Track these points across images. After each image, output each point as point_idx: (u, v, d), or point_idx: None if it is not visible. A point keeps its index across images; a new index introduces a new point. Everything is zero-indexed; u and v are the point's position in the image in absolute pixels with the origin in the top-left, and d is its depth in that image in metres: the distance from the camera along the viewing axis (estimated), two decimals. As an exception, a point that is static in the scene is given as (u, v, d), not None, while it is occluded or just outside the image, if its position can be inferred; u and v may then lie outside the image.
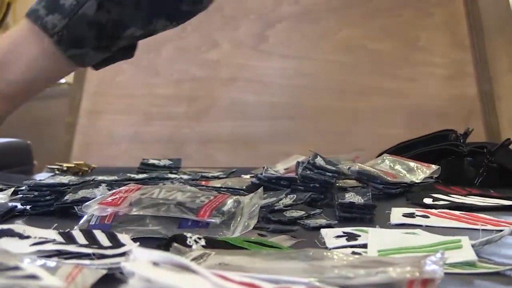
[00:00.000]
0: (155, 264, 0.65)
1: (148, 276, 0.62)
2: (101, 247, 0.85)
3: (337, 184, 1.29)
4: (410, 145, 1.58)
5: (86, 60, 1.15)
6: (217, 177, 1.51)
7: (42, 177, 1.38)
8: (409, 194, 1.34)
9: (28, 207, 1.21)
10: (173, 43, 2.30)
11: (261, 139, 2.23)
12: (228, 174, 1.56)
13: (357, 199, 1.18)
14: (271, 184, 1.30)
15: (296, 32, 2.26)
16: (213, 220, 1.03)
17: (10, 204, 1.23)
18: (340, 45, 2.23)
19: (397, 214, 1.15)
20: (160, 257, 0.65)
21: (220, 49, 2.31)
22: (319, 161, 1.31)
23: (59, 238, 0.89)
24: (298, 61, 2.25)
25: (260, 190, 1.16)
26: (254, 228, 1.05)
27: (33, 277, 0.60)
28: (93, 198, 1.11)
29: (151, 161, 1.58)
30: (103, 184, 1.23)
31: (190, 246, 0.89)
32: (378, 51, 2.20)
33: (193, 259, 0.78)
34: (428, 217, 1.14)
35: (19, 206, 1.22)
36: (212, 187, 1.33)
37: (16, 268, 0.62)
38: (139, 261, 0.64)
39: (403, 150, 1.56)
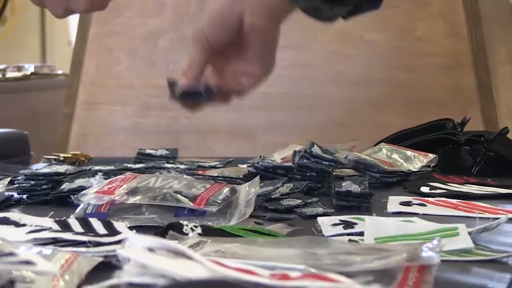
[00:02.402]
0: (151, 250, 0.64)
1: (143, 262, 0.62)
2: (97, 235, 0.85)
3: (334, 173, 1.29)
4: (407, 134, 1.57)
5: (323, 15, 1.06)
6: (214, 167, 1.51)
7: (39, 167, 1.37)
8: (406, 182, 1.34)
9: (24, 196, 1.21)
10: (170, 34, 2.29)
11: (258, 129, 2.22)
12: (225, 164, 1.56)
13: (354, 187, 1.17)
14: (268, 173, 1.30)
15: (294, 22, 2.25)
16: (209, 209, 1.03)
17: (6, 193, 1.23)
18: (337, 36, 2.22)
19: (394, 202, 1.15)
20: (156, 243, 0.65)
21: (217, 40, 2.30)
22: (316, 150, 1.31)
23: (55, 226, 0.89)
24: (295, 51, 2.24)
25: (257, 178, 1.16)
26: (251, 216, 1.05)
27: (28, 263, 0.60)
28: (89, 187, 1.11)
29: (148, 151, 1.57)
30: (100, 173, 1.23)
31: (186, 234, 0.89)
32: (375, 42, 2.19)
33: (190, 247, 0.78)
34: (425, 205, 1.14)
35: (16, 195, 1.22)
36: (209, 176, 1.33)
37: (11, 254, 0.61)
38: (134, 247, 0.64)
39: (400, 139, 1.55)
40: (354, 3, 1.07)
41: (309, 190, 1.24)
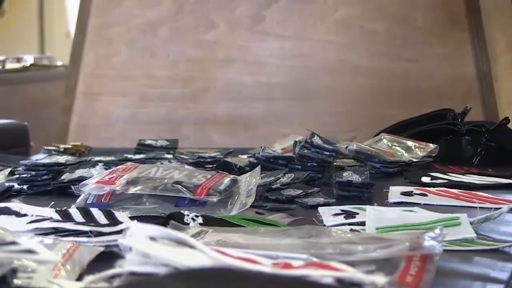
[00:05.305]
0: (153, 239, 0.64)
1: (145, 251, 0.61)
2: (98, 224, 0.85)
3: (335, 163, 1.29)
4: (408, 124, 1.57)
5: None
6: (215, 157, 1.50)
7: (39, 158, 1.37)
8: (407, 173, 1.33)
9: (25, 186, 1.21)
10: (170, 24, 2.29)
11: (257, 120, 2.22)
12: (225, 154, 1.55)
13: (355, 177, 1.17)
14: (269, 163, 1.30)
15: (293, 12, 2.25)
16: (210, 199, 1.03)
17: (7, 184, 1.23)
18: (337, 26, 2.22)
19: (395, 192, 1.15)
20: (158, 232, 0.65)
21: (216, 30, 2.30)
22: (317, 140, 1.30)
23: (56, 216, 0.88)
24: (294, 42, 2.24)
25: (258, 169, 1.16)
26: (252, 206, 1.05)
27: (30, 251, 0.60)
28: (90, 178, 1.11)
29: (148, 142, 1.57)
30: (100, 164, 1.23)
31: (187, 224, 0.89)
32: (375, 31, 2.19)
33: (191, 237, 0.78)
34: (426, 195, 1.14)
35: (16, 186, 1.21)
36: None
37: (13, 243, 0.61)
38: (136, 236, 0.64)
39: (401, 129, 1.55)
40: None
41: (310, 180, 1.23)
